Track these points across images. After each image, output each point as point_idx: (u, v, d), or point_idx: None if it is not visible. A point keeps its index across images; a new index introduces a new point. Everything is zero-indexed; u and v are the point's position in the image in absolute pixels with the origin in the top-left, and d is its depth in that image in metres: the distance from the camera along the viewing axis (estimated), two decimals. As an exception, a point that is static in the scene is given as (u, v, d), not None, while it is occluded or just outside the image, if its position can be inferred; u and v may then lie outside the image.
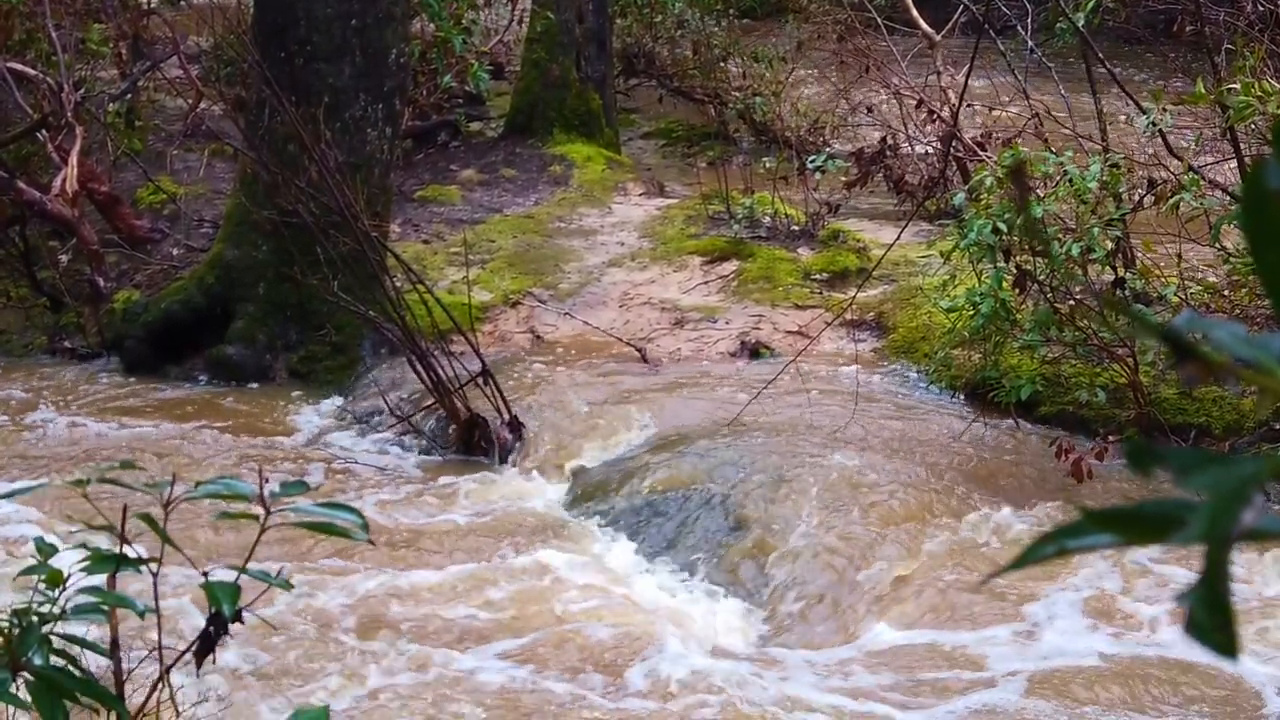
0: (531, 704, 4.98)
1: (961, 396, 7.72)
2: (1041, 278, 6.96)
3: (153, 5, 12.88)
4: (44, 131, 9.66)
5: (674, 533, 6.44)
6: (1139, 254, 7.67)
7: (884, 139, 11.05)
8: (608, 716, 4.89)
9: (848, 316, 8.43)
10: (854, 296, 8.27)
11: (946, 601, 5.72)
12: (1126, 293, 7.16)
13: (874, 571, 5.94)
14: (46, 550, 2.36)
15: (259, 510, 2.24)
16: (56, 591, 2.29)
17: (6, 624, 2.21)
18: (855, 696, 5.06)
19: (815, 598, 5.89)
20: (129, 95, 11.38)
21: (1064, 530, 0.73)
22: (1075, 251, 6.71)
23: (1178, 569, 5.79)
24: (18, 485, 6.11)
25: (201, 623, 2.42)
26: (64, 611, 2.28)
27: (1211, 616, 0.64)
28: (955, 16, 11.72)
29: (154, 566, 2.33)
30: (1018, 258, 7.00)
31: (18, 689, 2.18)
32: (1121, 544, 0.72)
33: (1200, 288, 7.84)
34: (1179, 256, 7.64)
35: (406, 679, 5.15)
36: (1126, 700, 4.97)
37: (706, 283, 9.65)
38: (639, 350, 8.68)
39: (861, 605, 5.79)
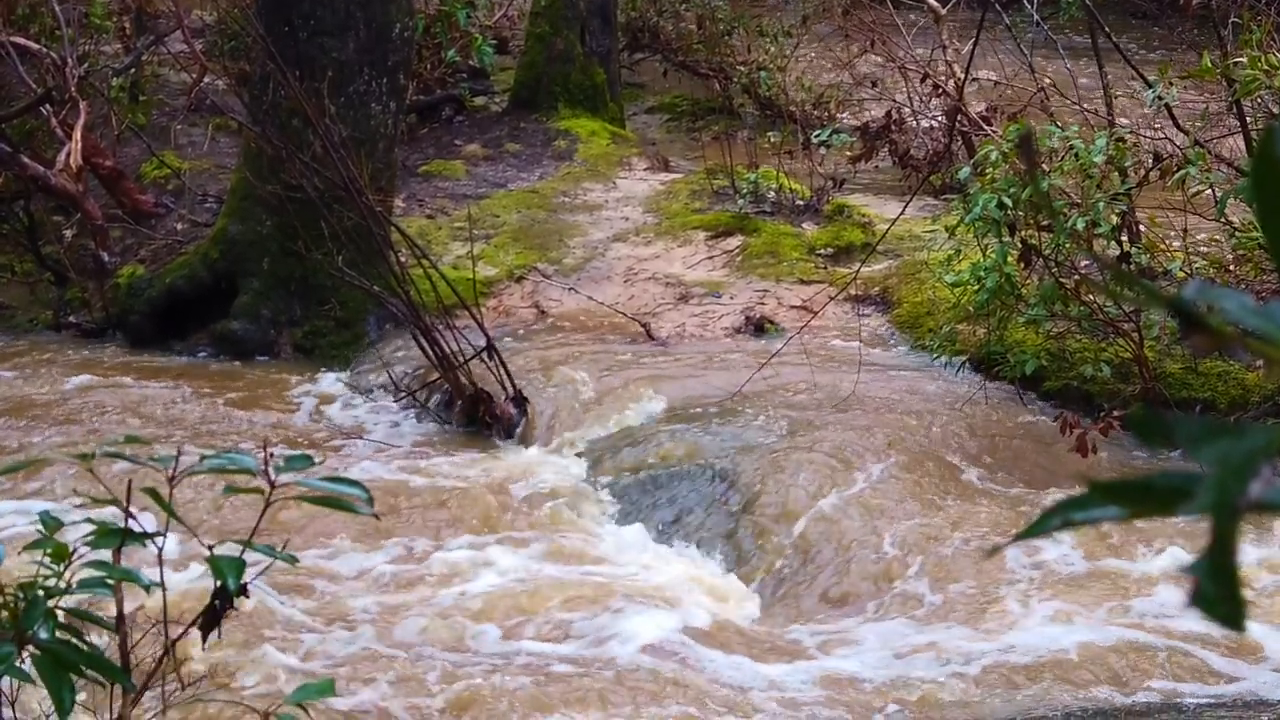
0: (527, 678, 4.99)
1: (966, 371, 7.71)
2: (1047, 252, 6.95)
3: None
4: (48, 106, 9.65)
5: (678, 507, 6.45)
6: (1144, 229, 7.65)
7: (889, 113, 11.02)
8: (599, 685, 4.90)
9: (852, 291, 8.42)
10: (858, 271, 8.26)
11: (948, 575, 5.72)
12: (1131, 267, 7.15)
13: (876, 545, 5.94)
14: (52, 524, 2.37)
15: (264, 484, 2.24)
16: (62, 565, 2.29)
17: (12, 598, 2.22)
18: (852, 670, 5.07)
19: (818, 570, 5.89)
20: (133, 70, 11.36)
21: (1071, 502, 0.73)
22: (1080, 226, 6.70)
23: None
24: (21, 459, 6.12)
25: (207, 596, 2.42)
26: (69, 585, 2.28)
27: (1218, 588, 0.63)
28: (961, -10, 11.68)
29: (159, 540, 2.33)
30: (1023, 232, 6.98)
31: (24, 663, 2.18)
32: (1128, 516, 0.71)
33: (1205, 262, 7.83)
34: (1184, 231, 7.62)
35: (406, 651, 5.16)
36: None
37: (711, 258, 9.64)
38: (643, 325, 8.68)
39: (863, 578, 5.80)
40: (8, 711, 2.55)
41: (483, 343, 7.46)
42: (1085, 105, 8.73)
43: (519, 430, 7.39)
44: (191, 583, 4.89)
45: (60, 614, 2.24)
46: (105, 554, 2.34)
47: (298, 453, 2.31)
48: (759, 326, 8.69)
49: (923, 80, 10.54)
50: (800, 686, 4.94)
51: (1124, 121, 8.52)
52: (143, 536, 2.31)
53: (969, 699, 4.83)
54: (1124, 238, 7.34)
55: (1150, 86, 7.53)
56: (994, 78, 11.06)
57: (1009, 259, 6.91)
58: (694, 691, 4.87)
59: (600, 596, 5.61)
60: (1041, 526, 0.73)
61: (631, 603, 5.54)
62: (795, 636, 5.44)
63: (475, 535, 6.23)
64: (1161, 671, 4.99)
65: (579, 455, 7.09)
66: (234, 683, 4.72)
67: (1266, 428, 0.69)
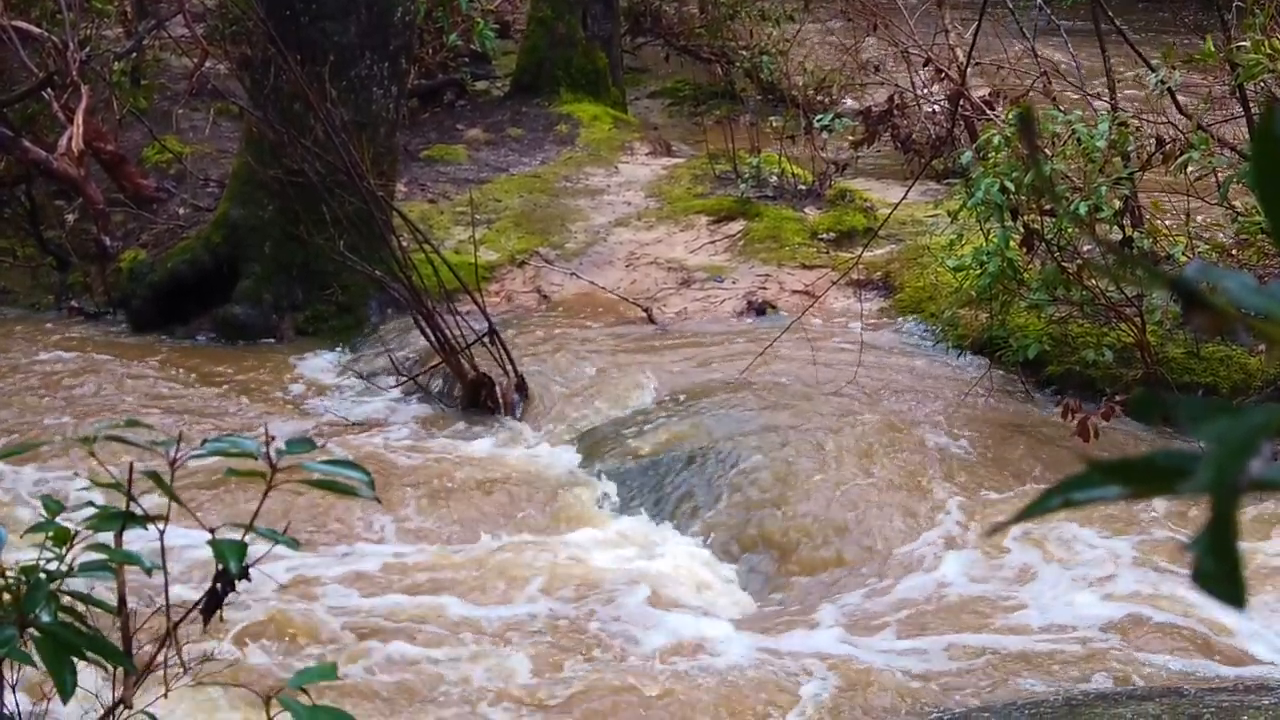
0: (524, 662, 5.00)
1: (968, 356, 7.71)
2: (1049, 237, 6.94)
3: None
4: (49, 90, 9.64)
5: (677, 491, 6.44)
6: (1147, 213, 7.64)
7: (891, 98, 11.00)
8: (599, 672, 4.91)
9: (854, 276, 8.41)
10: (860, 255, 8.25)
11: (949, 558, 5.73)
12: (1134, 252, 7.14)
13: (879, 530, 5.94)
14: (53, 507, 2.37)
15: (265, 468, 2.24)
16: (63, 548, 2.29)
17: (14, 581, 2.22)
18: (856, 656, 5.07)
19: (818, 555, 5.90)
20: (134, 54, 11.33)
21: (1071, 482, 0.72)
22: (1083, 210, 6.68)
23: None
24: (23, 442, 6.12)
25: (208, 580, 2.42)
26: (71, 568, 2.28)
27: (1219, 566, 0.63)
28: (963, -26, 11.65)
29: (161, 524, 2.33)
30: (1025, 217, 6.98)
31: (25, 646, 2.18)
32: (1129, 496, 0.71)
33: (1208, 247, 7.82)
34: (1187, 216, 7.61)
35: (400, 635, 5.16)
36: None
37: (713, 242, 9.63)
38: (645, 310, 8.67)
39: (864, 563, 5.80)
40: (9, 694, 2.55)
41: (484, 327, 7.46)
42: (1088, 90, 8.72)
43: (520, 414, 7.39)
44: (193, 565, 4.90)
45: (62, 597, 2.24)
46: (107, 537, 2.34)
47: (299, 436, 2.31)
48: (761, 311, 8.69)
49: (925, 64, 10.52)
50: (797, 667, 4.94)
51: (1128, 106, 8.50)
52: (144, 519, 2.31)
53: (974, 685, 4.84)
54: (1126, 222, 7.33)
55: (1153, 71, 7.51)
56: (997, 62, 11.04)
57: (1011, 243, 6.90)
58: (689, 672, 4.87)
59: (597, 579, 5.61)
60: (1042, 506, 0.73)
61: (629, 585, 5.54)
62: (791, 619, 5.44)
63: (474, 519, 6.24)
64: (1162, 654, 5.00)
65: (580, 439, 7.09)
66: (235, 665, 4.73)
67: (1267, 407, 0.69)
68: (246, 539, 2.32)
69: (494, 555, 5.87)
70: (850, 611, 5.49)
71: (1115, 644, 5.06)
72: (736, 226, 9.75)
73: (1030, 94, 9.69)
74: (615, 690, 4.79)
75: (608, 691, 4.78)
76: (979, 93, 10.09)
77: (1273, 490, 0.66)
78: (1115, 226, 7.14)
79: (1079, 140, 6.87)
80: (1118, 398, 6.67)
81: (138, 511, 2.31)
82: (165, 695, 2.57)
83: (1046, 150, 6.98)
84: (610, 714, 4.68)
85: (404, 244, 7.87)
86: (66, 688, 2.16)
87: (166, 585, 2.44)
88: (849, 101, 12.51)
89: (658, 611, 5.34)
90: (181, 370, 8.05)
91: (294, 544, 2.41)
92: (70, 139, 9.31)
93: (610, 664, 4.99)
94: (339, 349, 8.54)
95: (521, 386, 7.45)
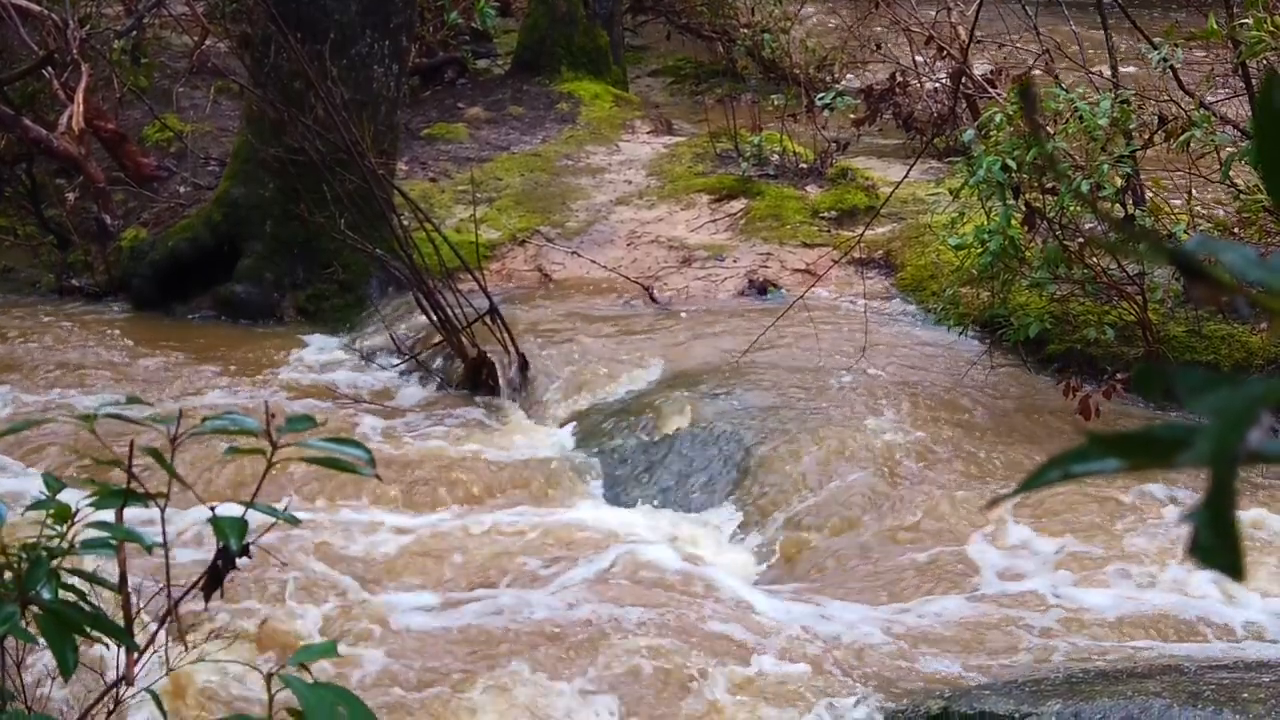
0: (527, 648, 5.00)
1: (970, 334, 7.70)
2: (1050, 215, 6.93)
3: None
4: (50, 69, 9.62)
5: (680, 473, 6.45)
6: (1149, 191, 7.63)
7: (893, 76, 10.98)
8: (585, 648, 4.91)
9: (856, 254, 8.40)
10: (862, 234, 8.24)
11: (947, 541, 5.73)
12: (1136, 228, 7.13)
13: (879, 510, 5.94)
14: (54, 485, 2.37)
15: (266, 445, 2.24)
16: (65, 526, 2.29)
17: (15, 558, 2.22)
18: (859, 627, 5.08)
19: (819, 536, 5.90)
20: (135, 32, 11.31)
21: (1070, 455, 0.72)
22: (1085, 188, 6.67)
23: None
24: (23, 420, 6.12)
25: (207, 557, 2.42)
26: (72, 546, 2.28)
27: (1217, 538, 0.63)
28: (966, -48, 11.61)
29: (161, 502, 2.33)
30: (1027, 195, 6.96)
31: (27, 623, 2.18)
32: (1128, 468, 0.71)
33: (1210, 225, 7.81)
34: (1189, 194, 7.60)
35: (399, 619, 5.17)
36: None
37: (714, 221, 9.62)
38: (646, 289, 8.67)
39: (866, 541, 5.81)
40: (11, 672, 2.56)
41: (485, 306, 7.45)
42: (1090, 67, 8.70)
43: (521, 393, 7.39)
44: (194, 544, 4.91)
45: (63, 574, 2.24)
46: (108, 514, 2.34)
47: (299, 414, 2.31)
48: (762, 290, 8.68)
49: (927, 42, 10.49)
50: (799, 635, 4.95)
51: (1130, 83, 8.48)
52: (145, 497, 2.31)
53: (975, 660, 4.85)
54: (1128, 200, 7.32)
55: (1155, 48, 7.49)
56: (999, 39, 11.01)
57: (1013, 222, 6.89)
58: (685, 656, 4.88)
59: (595, 557, 5.61)
60: (1041, 478, 0.73)
61: (628, 563, 5.55)
62: (793, 590, 5.45)
63: (473, 499, 6.24)
64: (1163, 633, 5.01)
65: (580, 418, 7.09)
66: (235, 644, 4.74)
67: (1266, 379, 0.69)
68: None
69: (488, 533, 5.88)
70: (854, 586, 5.49)
71: (1116, 624, 5.07)
72: (738, 205, 9.74)
73: (1032, 71, 9.67)
74: (637, 650, 4.80)
75: (632, 648, 4.80)
76: (981, 70, 10.07)
77: (1271, 463, 0.66)
78: (1117, 204, 7.13)
79: (1081, 118, 6.85)
80: (1119, 376, 6.66)
81: (138, 489, 2.31)
82: (168, 673, 2.58)
83: (1049, 128, 6.96)
84: (627, 665, 4.70)
85: (405, 222, 7.86)
86: (68, 665, 2.17)
87: (167, 562, 2.44)
88: (850, 79, 12.49)
89: (657, 585, 5.34)
90: (182, 349, 8.05)
91: (294, 521, 2.41)
92: (71, 117, 9.30)
93: (623, 638, 5.00)
94: (340, 328, 8.54)
95: (522, 365, 7.45)
